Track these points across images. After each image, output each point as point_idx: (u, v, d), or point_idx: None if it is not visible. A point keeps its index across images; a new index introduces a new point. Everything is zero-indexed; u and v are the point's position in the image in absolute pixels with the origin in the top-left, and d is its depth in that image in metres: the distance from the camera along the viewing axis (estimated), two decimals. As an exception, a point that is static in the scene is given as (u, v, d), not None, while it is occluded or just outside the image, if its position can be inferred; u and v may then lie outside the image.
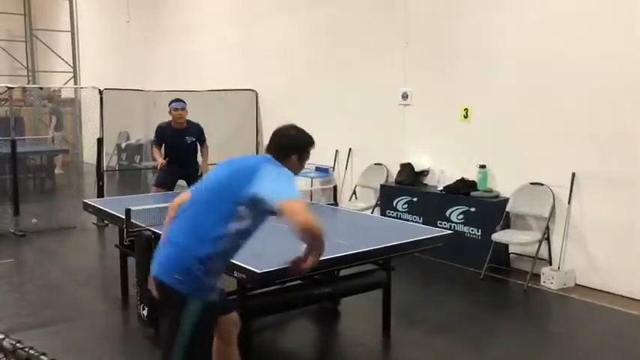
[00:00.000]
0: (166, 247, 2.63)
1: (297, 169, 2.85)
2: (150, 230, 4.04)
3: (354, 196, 7.42)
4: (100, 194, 7.50)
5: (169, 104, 6.14)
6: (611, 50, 5.06)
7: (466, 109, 6.24)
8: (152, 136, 11.58)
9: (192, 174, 6.06)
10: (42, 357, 0.92)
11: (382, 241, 3.81)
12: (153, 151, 6.30)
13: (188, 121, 6.17)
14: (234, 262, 3.28)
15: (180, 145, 6.08)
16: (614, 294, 5.09)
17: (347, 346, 4.38)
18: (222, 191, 2.60)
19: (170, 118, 6.16)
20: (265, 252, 3.77)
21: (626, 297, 5.02)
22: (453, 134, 6.38)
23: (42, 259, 6.41)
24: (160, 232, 3.97)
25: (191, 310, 2.52)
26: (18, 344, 0.97)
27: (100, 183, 7.63)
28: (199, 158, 6.39)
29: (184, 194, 2.87)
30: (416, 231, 4.44)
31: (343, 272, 4.31)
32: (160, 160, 6.03)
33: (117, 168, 11.67)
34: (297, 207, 2.42)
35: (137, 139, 11.73)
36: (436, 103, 6.58)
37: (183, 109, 6.07)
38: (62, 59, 14.02)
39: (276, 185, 2.52)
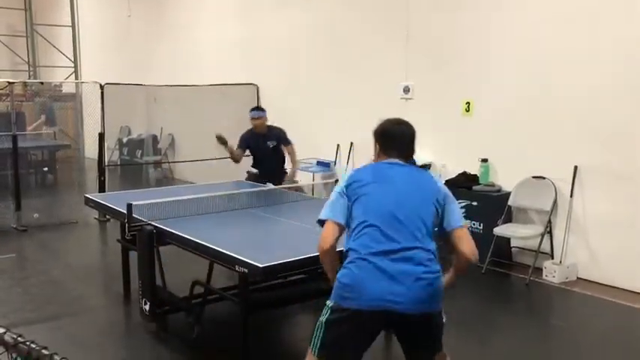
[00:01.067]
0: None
1: None
2: (151, 225, 4.04)
3: (355, 190, 7.41)
4: (102, 189, 7.49)
5: (250, 112, 6.28)
6: (614, 45, 5.04)
7: (468, 103, 6.22)
8: (153, 130, 11.60)
9: (278, 177, 6.15)
10: (43, 351, 0.92)
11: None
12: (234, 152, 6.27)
13: (268, 127, 6.22)
14: (236, 255, 3.30)
15: (263, 149, 6.18)
16: (616, 287, 5.09)
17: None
18: (423, 205, 2.59)
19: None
20: (267, 245, 3.77)
21: (629, 290, 5.01)
22: (454, 128, 6.36)
23: (44, 254, 6.41)
24: (162, 227, 3.99)
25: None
26: (19, 338, 0.97)
27: (102, 178, 7.62)
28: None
29: (328, 233, 2.59)
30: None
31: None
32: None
33: (118, 163, 11.67)
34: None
35: (138, 134, 11.73)
36: (438, 97, 6.56)
37: (260, 117, 6.14)
38: (63, 54, 14.00)
39: (457, 210, 2.75)
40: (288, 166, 6.41)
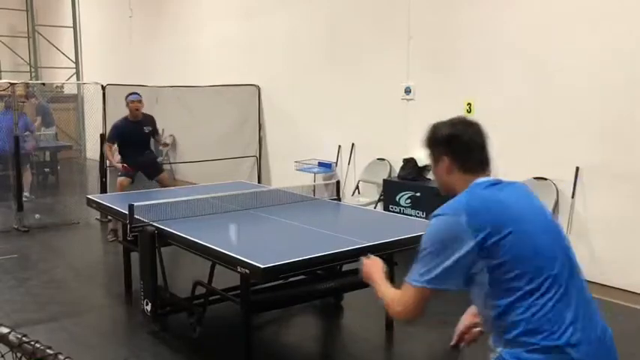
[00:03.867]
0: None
1: None
2: (153, 226, 4.05)
3: (356, 191, 7.42)
4: (103, 190, 7.51)
5: (126, 97, 6.55)
6: (615, 44, 5.04)
7: (469, 104, 6.23)
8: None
9: (148, 161, 6.70)
10: (47, 350, 0.93)
11: (385, 236, 3.82)
12: (106, 150, 6.73)
13: (143, 114, 6.60)
14: (237, 256, 3.30)
15: (139, 135, 6.51)
16: (617, 288, 5.08)
17: (350, 341, 4.39)
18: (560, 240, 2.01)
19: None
20: (269, 246, 3.78)
21: (630, 291, 5.00)
22: (456, 129, 6.36)
23: (46, 254, 6.42)
24: (163, 228, 4.00)
25: None
26: (24, 338, 0.98)
27: (103, 179, 7.63)
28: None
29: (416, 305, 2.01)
30: (419, 226, 4.43)
31: (346, 267, 4.31)
32: (118, 165, 6.57)
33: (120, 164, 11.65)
34: None
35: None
36: (439, 98, 6.56)
37: (140, 101, 6.50)
38: (64, 55, 14.03)
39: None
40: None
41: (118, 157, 6.61)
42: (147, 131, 6.54)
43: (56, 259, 6.23)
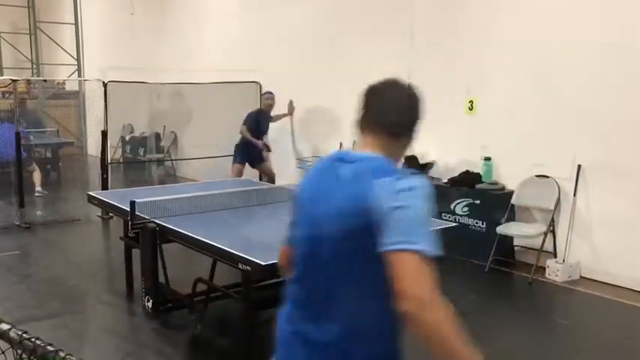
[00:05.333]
0: None
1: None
2: (154, 222, 4.04)
3: (358, 188, 7.41)
4: (105, 187, 7.50)
5: (262, 95, 8.18)
6: (617, 41, 5.02)
7: (471, 101, 6.21)
8: (157, 129, 11.58)
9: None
10: (48, 347, 0.92)
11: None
12: (247, 136, 7.73)
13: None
14: (239, 253, 3.30)
15: (267, 127, 7.93)
16: (619, 286, 5.07)
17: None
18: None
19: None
20: (270, 243, 3.77)
21: (632, 289, 5.00)
22: (458, 126, 6.35)
23: (47, 251, 6.43)
24: (165, 224, 3.99)
25: None
26: (24, 335, 0.97)
27: (105, 176, 7.63)
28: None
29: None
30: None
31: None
32: (261, 143, 7.80)
33: (121, 161, 11.68)
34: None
35: (141, 132, 11.73)
36: (441, 96, 6.53)
37: (269, 98, 7.90)
38: (66, 52, 14.03)
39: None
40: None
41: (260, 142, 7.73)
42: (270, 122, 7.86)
43: (57, 255, 6.23)
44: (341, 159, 1.74)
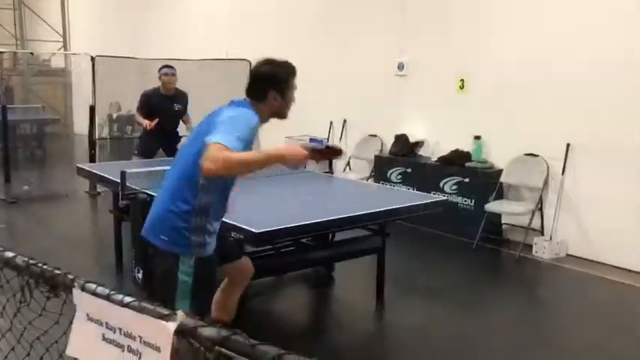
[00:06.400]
0: (151, 207, 2.66)
1: (283, 105, 2.71)
2: (145, 193, 4.02)
3: (348, 167, 7.42)
4: (93, 162, 7.44)
5: (159, 70, 6.02)
6: (607, 21, 5.04)
7: (462, 80, 6.22)
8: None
9: (173, 144, 5.97)
10: (56, 271, 0.92)
11: (377, 205, 3.82)
12: (135, 115, 6.16)
13: (176, 89, 6.06)
14: (231, 222, 3.29)
15: (168, 111, 5.93)
16: (605, 264, 5.14)
17: (341, 310, 4.41)
18: (190, 147, 2.56)
19: (158, 83, 6.04)
20: (262, 214, 3.77)
21: (617, 267, 5.07)
22: (448, 105, 6.37)
23: (34, 225, 6.37)
24: (154, 195, 3.97)
25: (184, 267, 2.53)
26: (31, 261, 0.97)
27: (92, 151, 7.56)
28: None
29: None
30: (410, 197, 4.45)
31: (339, 237, 4.33)
32: (147, 122, 5.75)
33: (108, 138, 11.55)
34: (211, 152, 2.26)
35: (128, 110, 11.60)
36: (432, 74, 6.55)
37: (174, 74, 5.97)
38: (52, 28, 13.80)
39: (218, 129, 2.36)
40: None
41: (146, 121, 5.84)
42: (176, 108, 6.00)
43: (45, 229, 6.18)
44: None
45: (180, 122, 6.20)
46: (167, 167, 4.39)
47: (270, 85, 2.66)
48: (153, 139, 5.89)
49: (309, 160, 2.65)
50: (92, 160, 7.48)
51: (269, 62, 2.78)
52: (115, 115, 11.77)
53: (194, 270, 2.54)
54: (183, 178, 2.53)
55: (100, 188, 7.21)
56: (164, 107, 5.87)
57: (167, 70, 5.94)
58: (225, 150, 2.26)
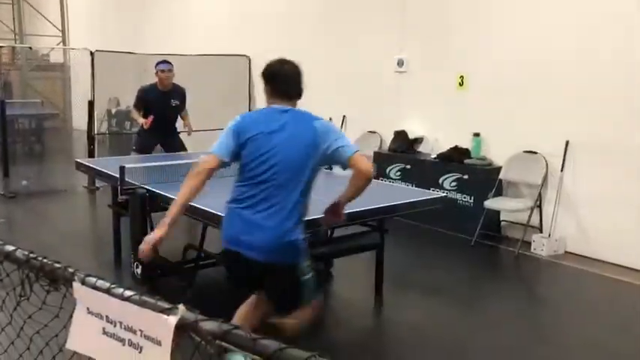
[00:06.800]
0: (260, 231, 2.65)
1: None
2: (144, 188, 4.01)
3: (346, 163, 7.41)
4: (91, 157, 7.43)
5: (156, 65, 5.91)
6: (606, 19, 5.04)
7: (462, 77, 6.22)
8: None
9: (171, 140, 5.98)
10: (56, 264, 0.91)
11: (376, 202, 3.82)
12: (132, 112, 6.04)
13: (173, 84, 5.98)
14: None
15: (165, 107, 5.85)
16: (603, 261, 5.15)
17: (339, 306, 4.41)
18: (298, 171, 2.67)
19: (155, 79, 5.98)
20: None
21: (615, 264, 5.07)
22: (448, 102, 6.36)
23: (33, 220, 6.37)
24: (154, 190, 3.97)
25: (304, 268, 2.76)
26: (31, 254, 0.96)
27: (91, 146, 7.55)
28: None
29: (209, 160, 2.74)
30: (409, 193, 4.45)
31: (338, 234, 4.33)
32: (143, 120, 5.69)
33: (107, 132, 11.55)
34: (364, 160, 2.73)
35: (127, 106, 11.59)
36: (432, 71, 6.54)
37: (171, 70, 5.86)
38: (50, 22, 13.76)
39: (342, 139, 2.78)
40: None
41: (142, 119, 5.74)
42: (174, 104, 5.90)
43: (44, 224, 6.18)
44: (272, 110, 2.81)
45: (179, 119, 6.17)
46: (166, 163, 4.41)
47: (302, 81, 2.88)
48: (151, 135, 5.82)
49: None
50: (91, 155, 7.47)
51: (289, 61, 2.91)
52: (113, 111, 11.77)
53: (309, 265, 2.78)
54: (294, 190, 2.66)
55: (98, 183, 7.21)
56: (161, 103, 5.79)
57: (163, 65, 5.85)
58: None
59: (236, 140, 2.70)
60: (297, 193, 2.65)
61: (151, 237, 2.68)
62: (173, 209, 2.69)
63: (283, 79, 2.80)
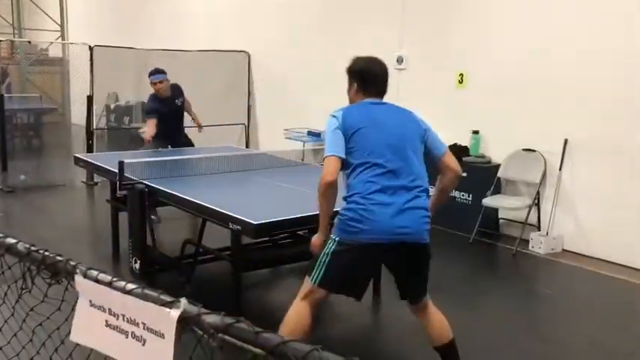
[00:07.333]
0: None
1: None
2: (143, 183, 4.02)
3: (345, 160, 7.41)
4: (90, 152, 7.43)
5: (149, 76, 5.85)
6: (606, 18, 5.04)
7: (461, 75, 6.22)
8: (143, 97, 11.40)
9: (178, 137, 6.00)
10: (57, 257, 0.92)
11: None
12: (148, 123, 5.79)
13: (169, 87, 5.91)
14: (229, 213, 3.30)
15: (172, 111, 5.87)
16: (601, 259, 5.16)
17: (338, 303, 4.41)
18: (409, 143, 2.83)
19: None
20: (260, 205, 3.78)
21: (613, 262, 5.09)
22: (447, 100, 6.37)
23: (31, 214, 6.37)
24: (153, 185, 3.97)
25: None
26: (32, 247, 0.97)
27: (90, 141, 7.55)
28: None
29: (333, 167, 2.75)
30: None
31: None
32: (148, 136, 5.65)
33: (105, 128, 11.55)
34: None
35: (126, 101, 11.59)
36: (431, 69, 6.54)
37: (165, 79, 5.80)
38: (49, 17, 13.72)
39: (438, 138, 3.05)
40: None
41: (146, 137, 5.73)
42: (179, 104, 5.97)
43: (42, 219, 6.18)
44: (373, 103, 2.94)
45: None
46: (165, 158, 4.41)
47: None
48: (163, 138, 5.80)
49: None
50: (89, 150, 7.46)
51: (379, 60, 3.03)
52: (112, 106, 11.76)
53: None
54: (423, 171, 2.83)
55: (97, 178, 7.20)
56: (169, 108, 5.83)
57: (157, 77, 5.78)
58: None
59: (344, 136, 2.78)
60: (421, 168, 2.86)
61: (317, 240, 2.86)
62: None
63: (382, 79, 2.94)
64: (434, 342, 3.00)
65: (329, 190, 2.70)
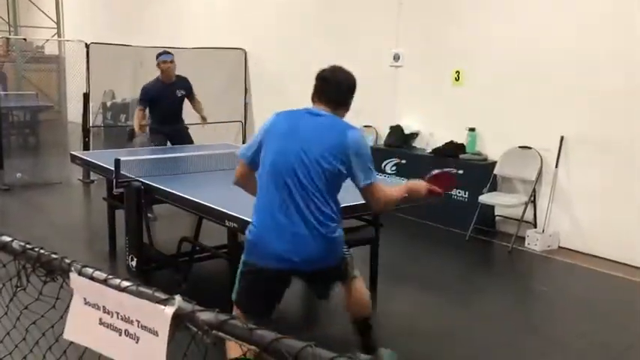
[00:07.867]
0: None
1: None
2: (139, 181, 4.01)
3: (342, 157, 7.41)
4: (86, 150, 7.41)
5: (157, 57, 5.87)
6: (602, 14, 5.05)
7: (458, 72, 6.22)
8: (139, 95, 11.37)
9: (178, 132, 5.96)
10: (52, 255, 0.92)
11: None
12: (135, 114, 5.86)
13: (176, 75, 5.97)
14: (225, 210, 3.30)
15: (171, 100, 5.82)
16: (596, 256, 5.18)
17: (335, 300, 4.42)
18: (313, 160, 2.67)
19: (158, 73, 5.97)
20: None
21: (609, 259, 5.11)
22: (443, 97, 6.37)
23: (27, 212, 6.36)
24: (150, 183, 3.97)
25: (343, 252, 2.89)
26: (27, 245, 0.97)
27: (86, 139, 7.53)
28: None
29: (238, 172, 2.86)
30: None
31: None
32: (137, 128, 5.67)
33: (102, 125, 11.52)
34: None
35: (123, 99, 11.56)
36: (428, 66, 6.55)
37: (172, 61, 5.83)
38: (45, 14, 13.68)
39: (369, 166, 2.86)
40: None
41: (136, 128, 5.76)
42: (179, 95, 5.87)
43: (38, 216, 6.17)
44: (309, 112, 2.83)
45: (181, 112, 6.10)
46: (161, 155, 4.41)
47: (353, 94, 2.92)
48: (160, 129, 5.80)
49: (430, 193, 3.05)
50: (86, 147, 7.45)
51: (345, 70, 2.96)
52: (109, 103, 11.73)
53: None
54: (321, 192, 2.67)
55: (93, 176, 7.19)
56: (167, 96, 5.78)
57: (165, 56, 5.82)
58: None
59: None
60: (318, 190, 2.73)
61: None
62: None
63: (334, 88, 2.87)
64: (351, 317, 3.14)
65: (239, 186, 2.87)
